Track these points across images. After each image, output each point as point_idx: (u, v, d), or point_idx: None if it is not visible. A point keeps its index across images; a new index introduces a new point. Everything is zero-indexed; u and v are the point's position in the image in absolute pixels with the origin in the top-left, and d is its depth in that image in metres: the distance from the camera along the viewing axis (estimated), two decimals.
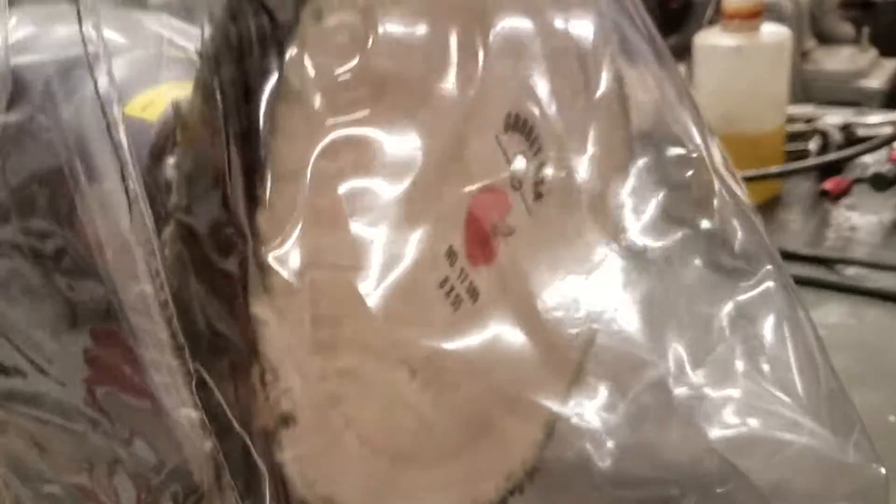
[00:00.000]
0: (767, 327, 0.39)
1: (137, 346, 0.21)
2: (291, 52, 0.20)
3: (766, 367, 0.37)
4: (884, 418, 0.45)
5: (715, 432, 0.33)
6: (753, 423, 0.33)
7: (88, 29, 0.20)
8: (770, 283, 0.40)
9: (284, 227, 0.20)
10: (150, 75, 0.31)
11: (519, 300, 0.31)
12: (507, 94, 0.29)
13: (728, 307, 0.39)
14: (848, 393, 0.43)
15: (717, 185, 0.38)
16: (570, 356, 0.35)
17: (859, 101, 1.56)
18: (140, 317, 0.20)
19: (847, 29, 1.68)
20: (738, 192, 0.42)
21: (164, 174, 0.25)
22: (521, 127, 0.30)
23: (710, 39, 0.69)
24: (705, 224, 0.40)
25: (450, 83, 0.26)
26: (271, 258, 0.20)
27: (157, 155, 0.26)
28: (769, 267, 0.39)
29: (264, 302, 0.20)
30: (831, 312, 0.56)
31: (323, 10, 0.21)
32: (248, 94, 0.20)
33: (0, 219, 0.22)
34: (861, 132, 0.78)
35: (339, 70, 0.21)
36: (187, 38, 0.29)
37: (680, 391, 0.37)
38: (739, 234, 0.40)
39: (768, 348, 0.37)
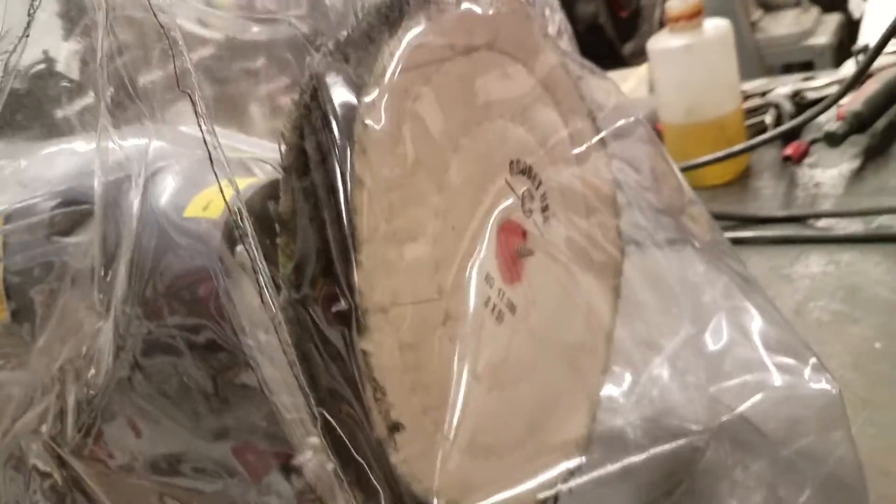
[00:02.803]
0: (732, 295, 0.46)
1: (270, 394, 0.27)
2: (354, 150, 0.27)
3: (747, 326, 0.43)
4: (870, 346, 0.52)
5: (715, 386, 0.40)
6: (740, 373, 0.40)
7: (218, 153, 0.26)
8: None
9: (372, 279, 0.27)
10: (201, 178, 0.38)
11: (548, 308, 0.38)
12: (510, 146, 0.36)
13: (716, 285, 0.46)
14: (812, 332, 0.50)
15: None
16: (599, 350, 0.42)
17: (811, 58, 1.65)
18: (271, 370, 0.27)
19: None
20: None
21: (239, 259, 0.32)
22: (522, 169, 0.37)
23: (661, 43, 0.76)
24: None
25: (461, 160, 0.33)
26: (368, 305, 0.27)
27: (229, 245, 0.32)
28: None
29: (367, 338, 0.27)
30: (812, 263, 0.63)
31: (367, 123, 0.28)
32: (332, 190, 0.27)
33: (154, 317, 0.29)
34: (811, 95, 0.85)
35: (387, 163, 0.29)
36: (228, 140, 0.36)
37: (686, 359, 0.44)
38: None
39: (738, 312, 0.44)
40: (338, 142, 0.27)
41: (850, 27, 1.72)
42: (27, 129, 0.46)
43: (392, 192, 0.29)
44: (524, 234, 0.37)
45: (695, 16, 0.75)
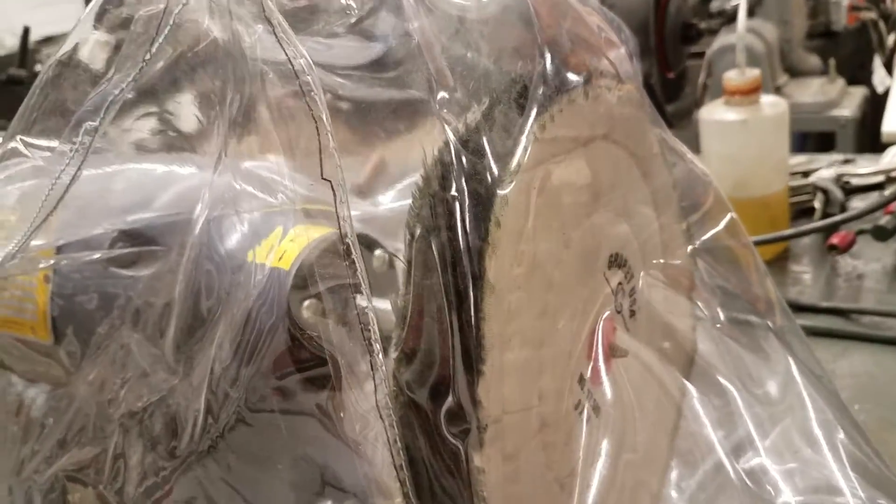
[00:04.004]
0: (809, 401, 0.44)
1: (372, 497, 0.26)
2: (487, 252, 0.26)
3: (821, 439, 0.42)
4: None
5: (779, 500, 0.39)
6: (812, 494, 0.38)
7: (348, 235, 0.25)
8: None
9: (490, 388, 0.26)
10: (274, 223, 0.36)
11: (626, 407, 0.36)
12: (611, 239, 0.35)
13: (779, 382, 0.45)
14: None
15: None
16: (663, 448, 0.41)
17: (834, 129, 1.66)
18: (375, 470, 0.26)
19: (814, 61, 1.79)
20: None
21: (303, 317, 0.31)
22: (619, 262, 0.36)
23: (716, 114, 0.75)
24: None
25: (570, 255, 0.32)
26: (486, 419, 0.25)
27: (296, 302, 0.31)
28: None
29: (483, 455, 0.25)
30: (856, 361, 0.62)
31: (500, 220, 0.27)
32: (460, 293, 0.25)
33: (259, 403, 0.27)
34: (854, 181, 0.85)
35: (513, 263, 0.27)
36: (297, 185, 0.34)
37: (747, 464, 0.43)
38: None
39: (817, 421, 0.43)
40: (472, 243, 0.25)
41: (874, 102, 1.73)
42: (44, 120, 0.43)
43: (512, 294, 0.28)
44: (614, 330, 0.36)
45: (753, 91, 0.75)
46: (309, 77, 0.24)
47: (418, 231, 0.26)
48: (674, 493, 0.44)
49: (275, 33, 0.24)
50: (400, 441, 0.25)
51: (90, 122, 0.30)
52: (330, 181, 0.24)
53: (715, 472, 0.43)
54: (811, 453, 0.41)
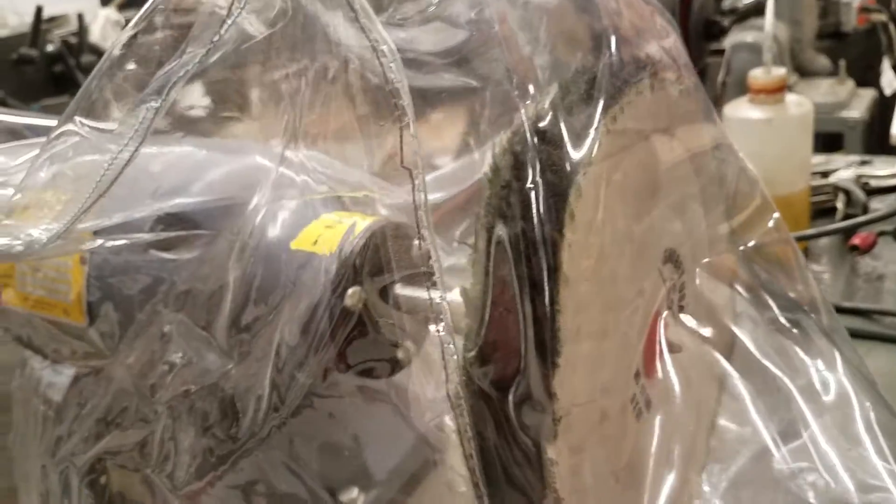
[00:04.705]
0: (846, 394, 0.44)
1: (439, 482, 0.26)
2: (562, 245, 0.26)
3: (862, 435, 0.42)
4: None
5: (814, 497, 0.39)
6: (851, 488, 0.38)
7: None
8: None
9: (563, 381, 0.26)
10: (309, 212, 0.36)
11: (678, 403, 0.36)
12: (666, 235, 0.35)
13: (824, 378, 0.45)
14: None
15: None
16: (701, 445, 0.41)
17: (842, 131, 1.66)
18: (444, 455, 0.26)
19: (824, 62, 1.79)
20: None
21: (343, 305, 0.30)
22: (672, 258, 0.36)
23: (741, 112, 0.75)
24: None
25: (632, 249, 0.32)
26: (560, 411, 0.25)
27: (339, 288, 0.30)
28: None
29: (555, 447, 0.25)
30: (881, 362, 0.62)
31: (574, 213, 0.26)
32: (534, 285, 0.25)
33: (331, 390, 0.27)
34: (873, 183, 0.85)
35: (584, 255, 0.27)
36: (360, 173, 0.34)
37: (782, 460, 0.43)
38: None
39: (861, 417, 0.43)
40: (548, 235, 0.25)
41: (882, 104, 1.74)
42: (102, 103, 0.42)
43: (582, 286, 0.27)
44: (666, 325, 0.36)
45: (779, 90, 0.75)
46: (393, 64, 0.24)
47: (497, 222, 0.26)
48: (706, 488, 0.44)
49: (357, 18, 0.24)
50: (471, 430, 0.25)
51: (152, 103, 0.30)
52: (409, 170, 0.24)
53: (750, 466, 0.43)
54: (855, 449, 0.41)
